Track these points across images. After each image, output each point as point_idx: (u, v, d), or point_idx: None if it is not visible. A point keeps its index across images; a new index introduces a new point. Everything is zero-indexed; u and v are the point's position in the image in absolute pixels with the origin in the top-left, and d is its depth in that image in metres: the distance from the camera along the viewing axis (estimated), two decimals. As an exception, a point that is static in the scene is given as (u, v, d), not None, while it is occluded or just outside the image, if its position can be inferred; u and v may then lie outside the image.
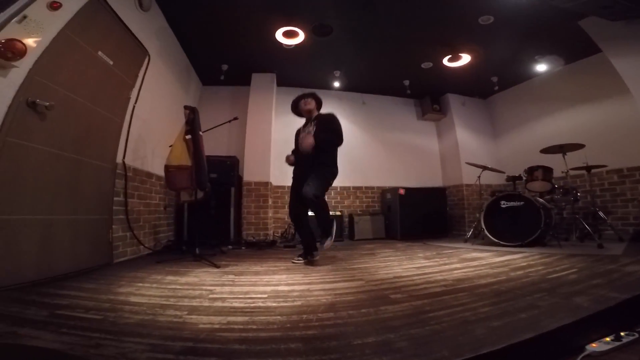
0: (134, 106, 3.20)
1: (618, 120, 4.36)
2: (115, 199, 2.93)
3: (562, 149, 3.80)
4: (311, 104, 3.05)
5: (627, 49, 3.61)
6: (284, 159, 3.18)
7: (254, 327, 1.25)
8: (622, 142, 4.26)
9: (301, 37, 4.08)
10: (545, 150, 3.95)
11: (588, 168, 3.92)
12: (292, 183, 3.08)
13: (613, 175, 4.39)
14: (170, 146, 3.16)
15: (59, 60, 2.17)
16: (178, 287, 1.95)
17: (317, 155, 2.82)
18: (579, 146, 3.77)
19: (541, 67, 5.08)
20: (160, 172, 3.52)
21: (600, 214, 3.91)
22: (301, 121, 3.26)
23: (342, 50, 4.73)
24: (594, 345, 1.12)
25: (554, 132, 4.99)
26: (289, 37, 4.09)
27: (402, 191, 5.22)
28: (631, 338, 1.14)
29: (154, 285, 1.99)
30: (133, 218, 3.22)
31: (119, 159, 3.01)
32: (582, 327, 1.19)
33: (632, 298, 1.43)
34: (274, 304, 1.55)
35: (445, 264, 2.69)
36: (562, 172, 3.82)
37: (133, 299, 1.68)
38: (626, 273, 1.98)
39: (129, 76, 3.15)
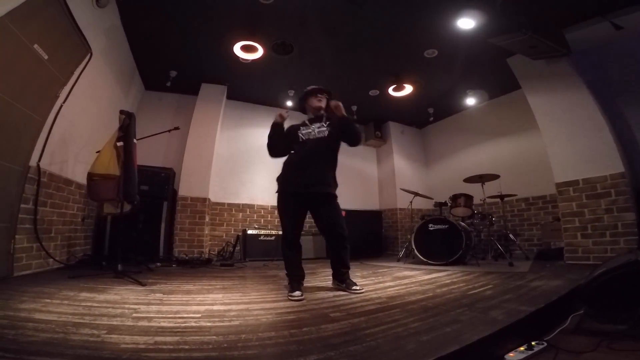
0: (61, 105, 2.88)
1: (528, 153, 5.07)
2: (23, 206, 2.56)
3: (481, 178, 4.32)
4: (323, 102, 2.69)
5: (541, 87, 4.13)
6: (277, 116, 2.61)
7: (186, 347, 1.16)
8: (530, 174, 4.96)
9: (260, 52, 4.06)
10: (468, 180, 4.45)
11: (502, 196, 4.47)
12: (286, 198, 2.53)
13: (521, 203, 5.08)
14: (97, 152, 2.87)
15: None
16: (95, 304, 1.73)
17: (327, 164, 2.71)
18: (495, 176, 4.32)
19: (470, 101, 5.73)
20: (82, 179, 3.17)
21: (511, 236, 4.48)
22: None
23: (299, 70, 4.83)
24: (511, 354, 1.25)
25: (476, 163, 5.62)
26: (247, 51, 4.05)
27: (343, 213, 5.36)
28: (541, 347, 1.31)
29: (65, 302, 1.75)
30: (43, 228, 2.82)
31: (33, 162, 2.65)
32: (499, 339, 1.31)
33: (538, 310, 1.63)
34: (209, 324, 1.46)
35: (380, 282, 2.81)
36: (481, 199, 4.34)
37: (38, 315, 1.46)
38: (532, 288, 2.27)
39: (63, 73, 2.86)
